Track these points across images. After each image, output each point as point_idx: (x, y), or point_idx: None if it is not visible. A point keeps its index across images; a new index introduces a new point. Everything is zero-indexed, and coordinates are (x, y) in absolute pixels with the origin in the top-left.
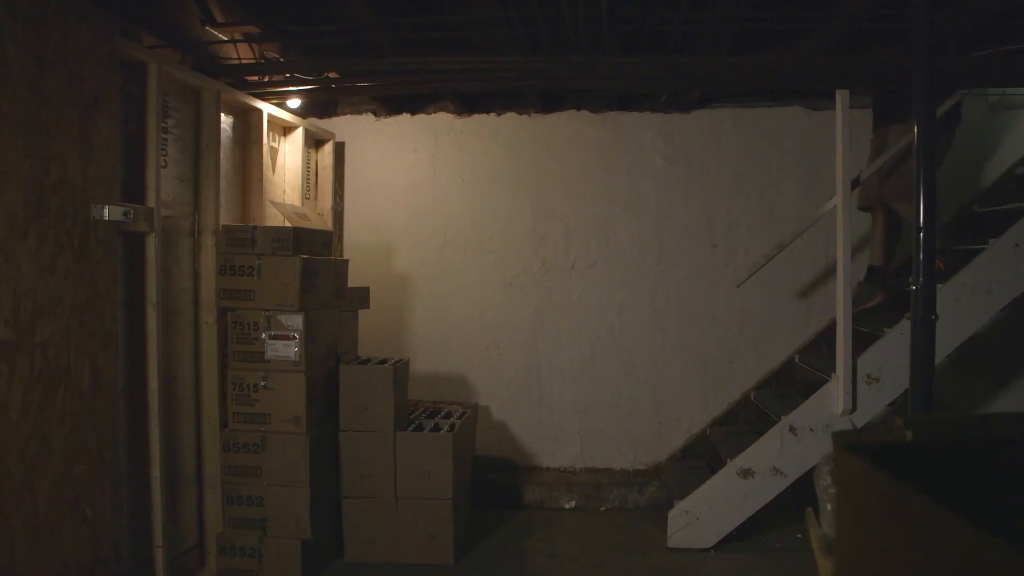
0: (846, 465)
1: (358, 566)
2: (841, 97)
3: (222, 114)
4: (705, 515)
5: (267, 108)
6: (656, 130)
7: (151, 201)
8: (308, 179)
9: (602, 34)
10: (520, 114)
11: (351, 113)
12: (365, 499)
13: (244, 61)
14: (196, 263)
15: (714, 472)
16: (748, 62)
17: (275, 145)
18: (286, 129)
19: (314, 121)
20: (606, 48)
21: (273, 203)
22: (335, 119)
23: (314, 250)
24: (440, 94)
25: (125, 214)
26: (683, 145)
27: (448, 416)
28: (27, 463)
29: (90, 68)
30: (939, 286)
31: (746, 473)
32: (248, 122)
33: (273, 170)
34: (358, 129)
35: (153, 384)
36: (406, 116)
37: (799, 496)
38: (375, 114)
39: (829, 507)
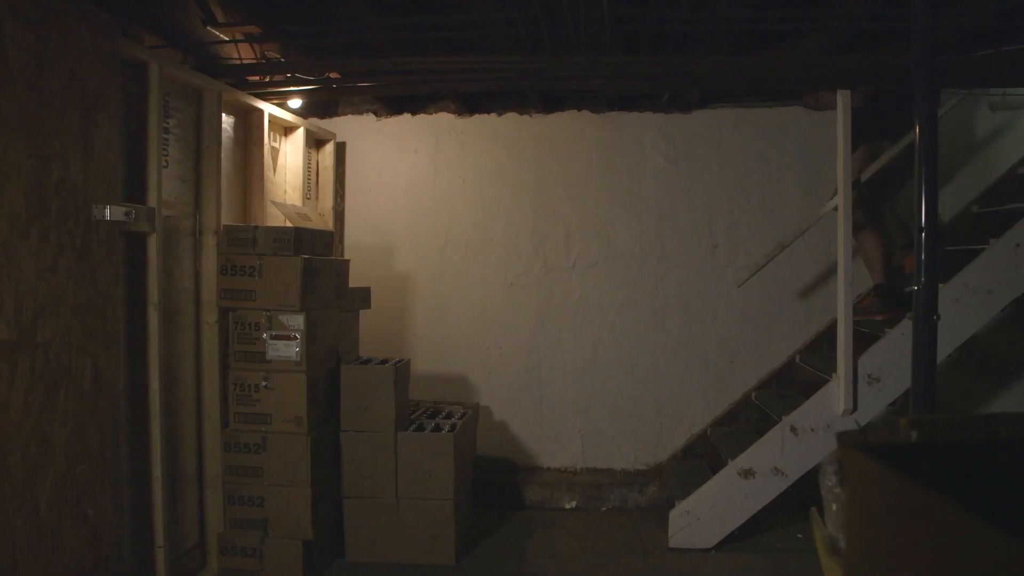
0: (857, 465)
1: (359, 566)
2: (842, 97)
3: (223, 114)
4: (706, 515)
5: (268, 108)
6: (657, 130)
7: (152, 201)
8: (309, 179)
9: (603, 34)
10: (521, 114)
11: (352, 113)
12: (366, 499)
13: (245, 61)
14: (197, 263)
15: (715, 472)
16: (748, 62)
17: (276, 145)
18: (287, 129)
19: (315, 121)
20: (607, 48)
21: (274, 203)
22: (336, 119)
23: (315, 250)
24: (441, 94)
25: (126, 214)
26: (684, 145)
27: (449, 416)
28: (29, 463)
29: (91, 68)
30: (940, 286)
31: (747, 473)
32: (249, 122)
33: (274, 170)
34: (359, 129)
35: (154, 384)
36: (407, 116)
37: (800, 496)
38: (376, 114)
39: (834, 507)
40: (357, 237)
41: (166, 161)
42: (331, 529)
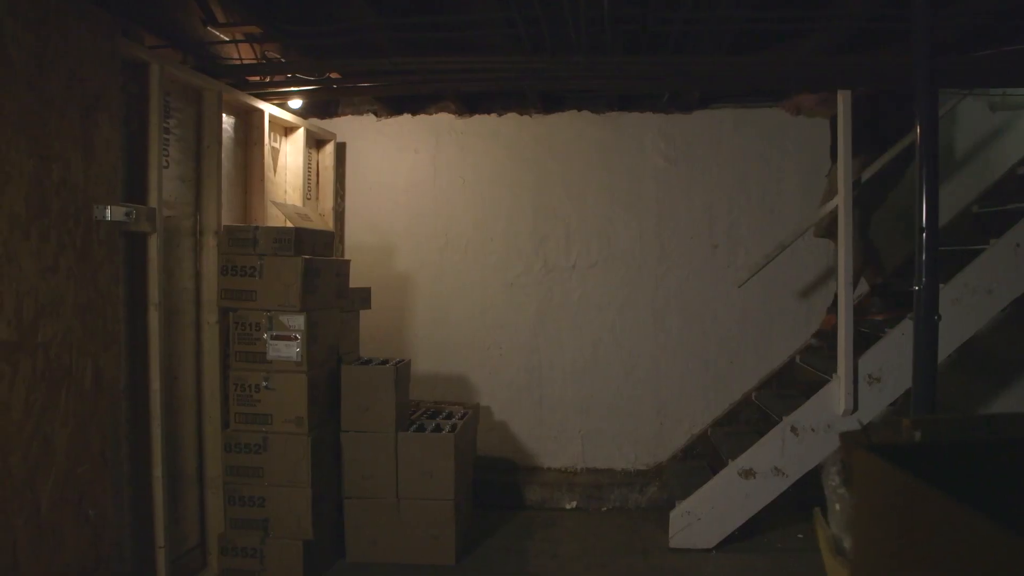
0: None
1: (360, 566)
2: (842, 97)
3: (224, 114)
4: (706, 515)
5: (268, 108)
6: (657, 130)
7: (153, 201)
8: (309, 179)
9: (603, 34)
10: (521, 114)
11: (352, 113)
12: (367, 499)
13: (245, 61)
14: (198, 263)
15: (715, 472)
16: (748, 62)
17: (276, 145)
18: (287, 129)
19: (315, 121)
20: (607, 48)
21: (275, 203)
22: (336, 119)
23: (316, 250)
24: (441, 94)
25: (127, 214)
26: (684, 145)
27: (449, 417)
28: (30, 463)
29: (91, 68)
30: (941, 286)
31: (747, 473)
32: (249, 122)
33: (274, 170)
34: (359, 129)
35: (155, 384)
36: (407, 116)
37: (801, 496)
38: (376, 114)
39: (837, 507)
40: (357, 237)
41: (167, 161)
42: (332, 529)
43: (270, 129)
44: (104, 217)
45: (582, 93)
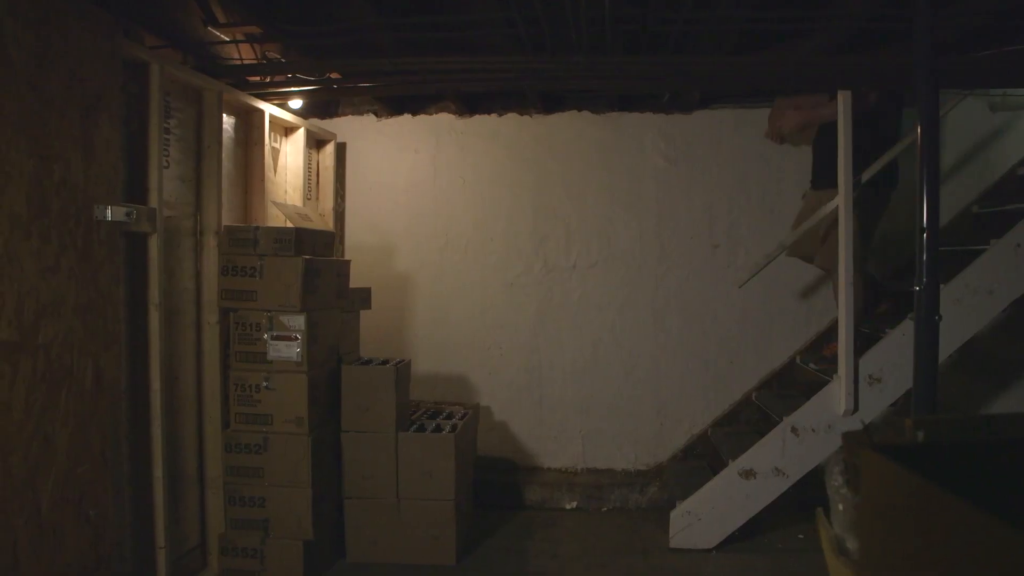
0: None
1: (360, 567)
2: (843, 98)
3: (224, 114)
4: (707, 516)
5: (269, 108)
6: (657, 130)
7: (153, 201)
8: (309, 179)
9: (604, 34)
10: (521, 114)
11: (352, 114)
12: (367, 500)
13: (246, 61)
14: (198, 263)
15: (716, 473)
16: (749, 62)
17: (277, 146)
18: (287, 129)
19: (315, 122)
20: (607, 48)
21: (275, 203)
22: (336, 120)
23: (316, 251)
24: (441, 94)
25: (128, 214)
26: (684, 145)
27: (450, 417)
28: (30, 463)
29: (91, 68)
30: (942, 287)
31: (748, 474)
32: (250, 122)
33: (275, 170)
34: (359, 130)
35: (155, 384)
36: (407, 117)
37: (801, 497)
38: (376, 115)
39: (840, 508)
40: (357, 237)
41: (167, 161)
42: (332, 529)
43: (270, 129)
44: (105, 217)
45: (582, 93)
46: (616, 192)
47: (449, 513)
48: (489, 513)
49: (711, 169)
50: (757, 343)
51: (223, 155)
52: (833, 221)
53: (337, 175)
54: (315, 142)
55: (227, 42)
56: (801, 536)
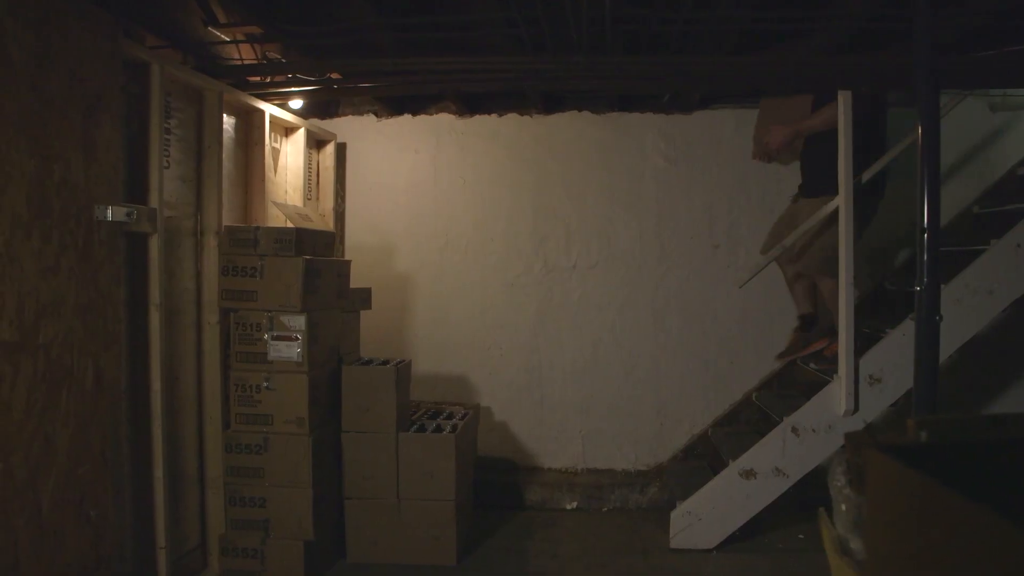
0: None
1: (360, 567)
2: (843, 98)
3: (224, 115)
4: (707, 516)
5: (269, 109)
6: (657, 131)
7: (154, 202)
8: (310, 180)
9: (604, 34)
10: (521, 115)
11: (352, 114)
12: (367, 500)
13: (246, 62)
14: (199, 264)
15: (716, 473)
16: (749, 62)
17: (277, 146)
18: (288, 130)
19: (315, 122)
20: (608, 48)
21: (275, 204)
22: (336, 120)
23: (316, 251)
24: (442, 95)
25: (128, 215)
26: (684, 145)
27: (450, 417)
28: (31, 464)
29: (92, 68)
30: (943, 287)
31: (748, 474)
32: (250, 123)
33: (275, 171)
34: (359, 130)
35: (155, 385)
36: (407, 117)
37: (802, 497)
38: (376, 115)
39: (843, 508)
40: (358, 238)
41: (167, 162)
42: (332, 530)
43: (271, 129)
44: (105, 217)
45: (582, 93)
46: (616, 192)
47: (450, 513)
48: (489, 513)
49: (711, 169)
50: (757, 343)
51: (223, 155)
52: (820, 227)
53: (337, 175)
54: (315, 142)
55: (227, 42)
56: (801, 536)
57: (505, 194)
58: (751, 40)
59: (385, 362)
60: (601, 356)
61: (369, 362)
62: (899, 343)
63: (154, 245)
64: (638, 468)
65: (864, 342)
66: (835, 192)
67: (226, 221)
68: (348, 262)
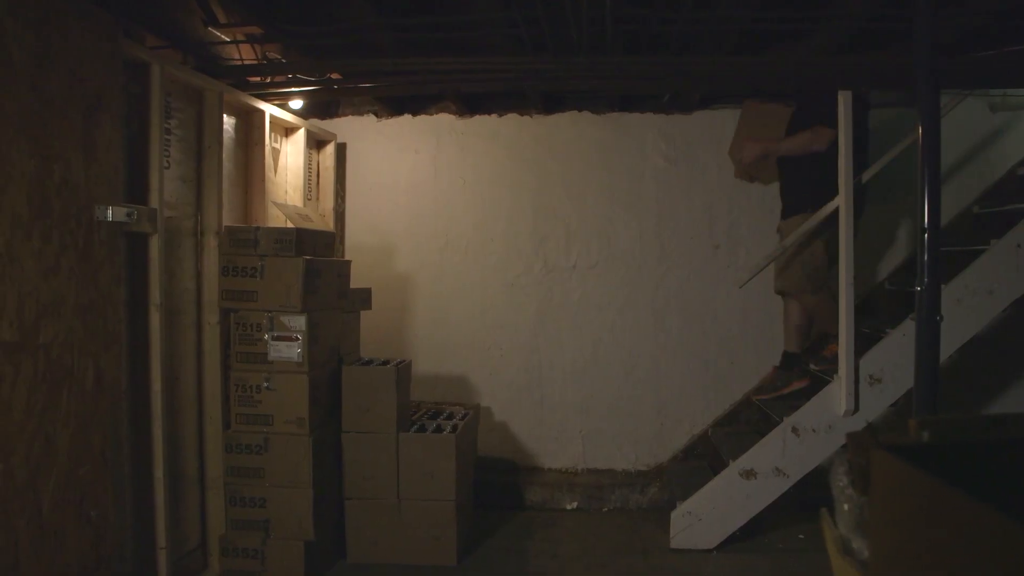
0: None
1: (361, 567)
2: (843, 98)
3: (224, 115)
4: (707, 516)
5: (269, 109)
6: (657, 131)
7: (154, 202)
8: (310, 180)
9: (605, 34)
10: (521, 115)
11: (353, 114)
12: (368, 500)
13: (246, 62)
14: (199, 264)
15: (716, 473)
16: (749, 63)
17: (277, 146)
18: (288, 130)
19: (316, 122)
20: (608, 48)
21: (275, 204)
22: (337, 120)
23: (317, 251)
24: (442, 95)
25: (128, 215)
26: (684, 146)
27: (450, 417)
28: (32, 464)
29: (92, 68)
30: (943, 287)
31: (748, 474)
32: (250, 123)
33: (275, 171)
34: (360, 130)
35: (156, 385)
36: (407, 117)
37: (802, 497)
38: (376, 115)
39: (846, 507)
40: (358, 238)
41: (167, 162)
42: (333, 530)
43: (271, 129)
44: (105, 217)
45: (582, 93)
46: (616, 192)
47: (450, 514)
48: (489, 513)
49: (711, 169)
50: (757, 343)
51: (224, 155)
52: (799, 246)
53: (337, 175)
54: (315, 142)
55: (227, 42)
56: (802, 536)
57: (505, 194)
58: (751, 40)
59: (385, 362)
60: (601, 356)
61: (369, 362)
62: (899, 343)
63: (154, 245)
64: (638, 468)
65: (864, 342)
66: (811, 210)
67: (226, 221)
68: (348, 262)
